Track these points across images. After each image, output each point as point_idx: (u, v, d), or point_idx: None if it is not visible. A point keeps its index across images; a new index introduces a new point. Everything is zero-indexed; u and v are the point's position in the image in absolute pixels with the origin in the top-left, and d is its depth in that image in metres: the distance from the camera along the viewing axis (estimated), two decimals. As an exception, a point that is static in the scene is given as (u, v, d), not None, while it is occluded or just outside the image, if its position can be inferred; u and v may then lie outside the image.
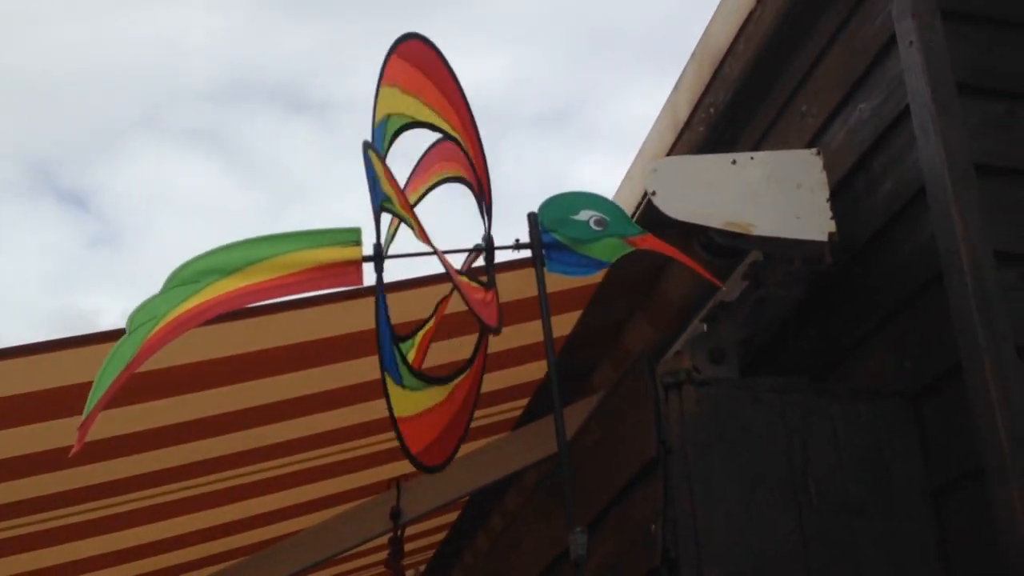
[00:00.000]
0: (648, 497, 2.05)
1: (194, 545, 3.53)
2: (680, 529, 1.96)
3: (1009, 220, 2.14)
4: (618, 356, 3.01)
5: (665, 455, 2.02)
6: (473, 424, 3.21)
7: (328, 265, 1.84)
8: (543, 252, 2.11)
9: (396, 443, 3.13)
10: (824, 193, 2.45)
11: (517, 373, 3.02)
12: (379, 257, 1.91)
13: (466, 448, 3.33)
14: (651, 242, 2.18)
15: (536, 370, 3.07)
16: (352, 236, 1.86)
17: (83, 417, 1.63)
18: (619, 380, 2.23)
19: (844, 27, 2.64)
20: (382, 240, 1.96)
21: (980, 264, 2.03)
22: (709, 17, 2.97)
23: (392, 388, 2.03)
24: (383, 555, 3.03)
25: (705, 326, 2.74)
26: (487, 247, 2.10)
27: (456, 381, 2.19)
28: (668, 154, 3.08)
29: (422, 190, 2.26)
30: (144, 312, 1.71)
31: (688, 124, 3.04)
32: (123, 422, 2.55)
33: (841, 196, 2.49)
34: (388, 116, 2.08)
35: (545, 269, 2.11)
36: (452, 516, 4.15)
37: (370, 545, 3.40)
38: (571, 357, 3.05)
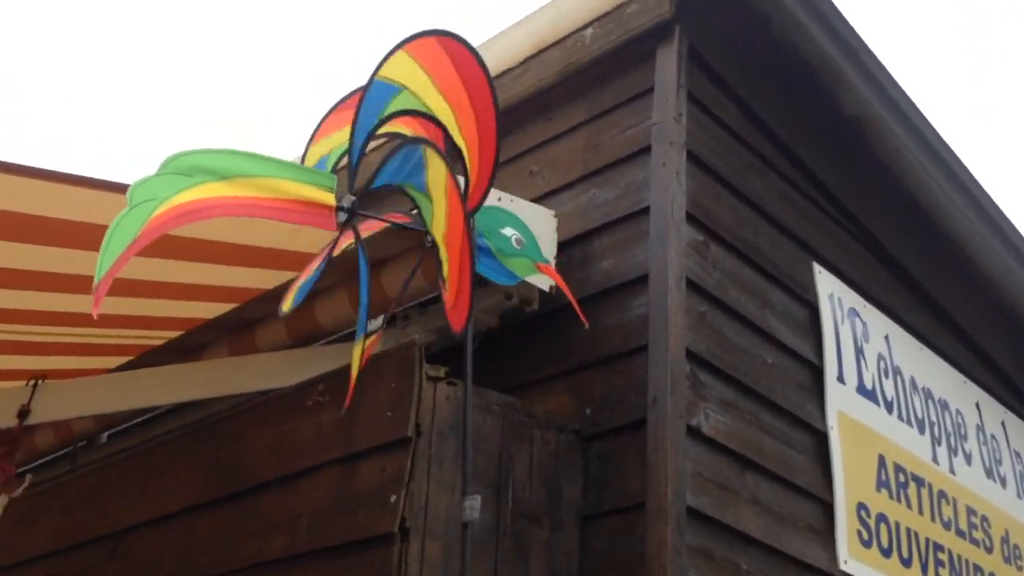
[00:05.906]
0: (388, 468, 2.31)
1: None
2: (415, 502, 2.26)
3: (694, 326, 2.75)
4: (302, 319, 3.11)
5: (416, 437, 2.31)
6: (128, 344, 3.17)
7: (305, 202, 1.89)
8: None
9: (41, 337, 3.02)
10: (553, 249, 2.90)
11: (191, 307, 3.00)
12: (353, 212, 1.96)
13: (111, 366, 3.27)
14: (549, 271, 2.56)
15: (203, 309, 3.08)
16: (328, 182, 1.92)
17: (94, 286, 1.61)
18: (379, 356, 2.47)
19: (590, 123, 3.16)
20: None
21: (678, 353, 2.61)
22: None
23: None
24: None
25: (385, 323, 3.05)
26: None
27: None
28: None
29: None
30: (145, 190, 1.68)
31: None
32: None
33: (556, 257, 2.96)
34: (404, 87, 2.11)
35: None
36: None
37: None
38: (243, 309, 3.13)
